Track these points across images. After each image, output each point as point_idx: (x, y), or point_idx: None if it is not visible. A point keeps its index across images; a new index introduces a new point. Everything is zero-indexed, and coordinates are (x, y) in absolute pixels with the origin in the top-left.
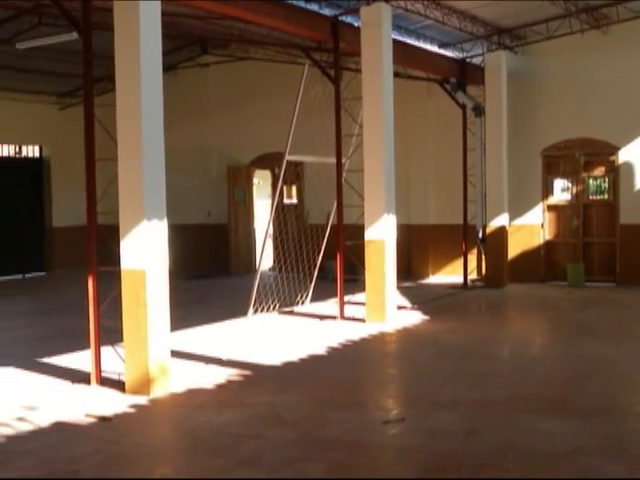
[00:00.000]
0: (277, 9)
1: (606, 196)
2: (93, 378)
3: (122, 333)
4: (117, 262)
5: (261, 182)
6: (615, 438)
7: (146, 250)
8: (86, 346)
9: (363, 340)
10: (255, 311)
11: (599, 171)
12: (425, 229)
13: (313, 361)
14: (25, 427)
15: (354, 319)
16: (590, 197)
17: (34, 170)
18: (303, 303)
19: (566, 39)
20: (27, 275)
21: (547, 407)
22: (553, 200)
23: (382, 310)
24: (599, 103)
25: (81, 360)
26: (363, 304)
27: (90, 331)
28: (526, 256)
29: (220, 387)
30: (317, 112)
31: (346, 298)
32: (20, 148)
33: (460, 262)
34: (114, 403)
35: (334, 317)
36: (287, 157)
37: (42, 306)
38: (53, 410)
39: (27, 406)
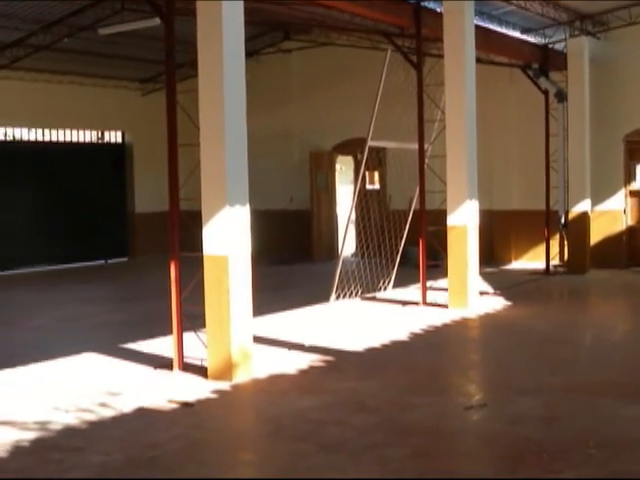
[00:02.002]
0: None
1: None
2: (175, 364)
3: (204, 319)
4: (199, 248)
5: (343, 168)
6: None
7: (228, 236)
8: (168, 332)
9: (445, 326)
10: (337, 297)
11: None
12: (507, 215)
13: (395, 347)
14: (107, 413)
15: (436, 305)
16: None
17: (116, 156)
18: (385, 289)
19: None
20: (109, 261)
21: (630, 393)
22: (635, 186)
23: (464, 296)
24: None
25: (163, 346)
26: (445, 290)
27: (172, 317)
28: (608, 242)
29: (302, 373)
30: (399, 98)
31: (428, 284)
32: (102, 134)
33: (542, 248)
34: (196, 389)
35: (416, 303)
36: (369, 143)
37: (124, 292)
38: (135, 396)
39: (109, 392)
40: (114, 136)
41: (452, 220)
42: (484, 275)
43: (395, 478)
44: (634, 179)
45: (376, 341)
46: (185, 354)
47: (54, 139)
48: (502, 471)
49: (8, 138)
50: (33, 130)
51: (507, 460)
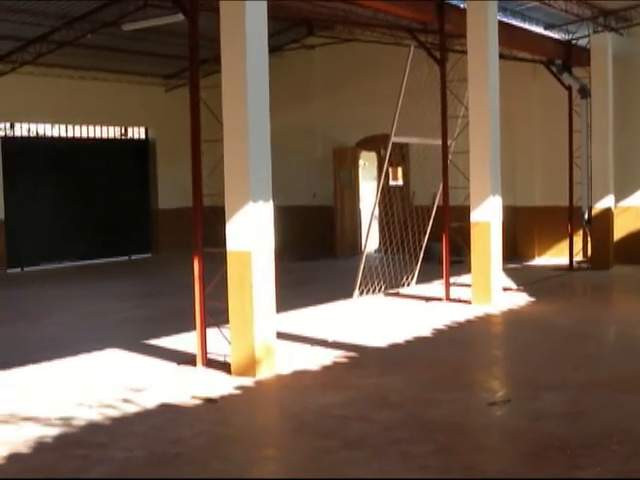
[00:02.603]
0: None
1: None
2: (199, 360)
3: (228, 315)
4: (223, 244)
5: (367, 164)
6: None
7: (252, 232)
8: (192, 328)
9: (469, 322)
10: (361, 293)
11: None
12: (531, 211)
13: (419, 343)
14: (131, 409)
15: (460, 301)
16: None
17: (140, 152)
18: (409, 285)
19: None
20: (133, 257)
21: None
22: None
23: (488, 292)
24: None
25: (187, 342)
26: (469, 286)
27: (196, 313)
28: (632, 238)
29: (326, 369)
30: (423, 94)
31: (452, 280)
32: (126, 130)
33: (566, 244)
34: (220, 385)
35: (440, 299)
36: (393, 139)
37: (148, 288)
38: (159, 392)
39: (133, 388)
40: (137, 132)
41: (475, 216)
42: (507, 271)
43: (419, 478)
44: None
45: (399, 337)
46: (208, 350)
47: (77, 135)
48: (525, 467)
49: (31, 134)
50: (56, 126)
51: (530, 456)
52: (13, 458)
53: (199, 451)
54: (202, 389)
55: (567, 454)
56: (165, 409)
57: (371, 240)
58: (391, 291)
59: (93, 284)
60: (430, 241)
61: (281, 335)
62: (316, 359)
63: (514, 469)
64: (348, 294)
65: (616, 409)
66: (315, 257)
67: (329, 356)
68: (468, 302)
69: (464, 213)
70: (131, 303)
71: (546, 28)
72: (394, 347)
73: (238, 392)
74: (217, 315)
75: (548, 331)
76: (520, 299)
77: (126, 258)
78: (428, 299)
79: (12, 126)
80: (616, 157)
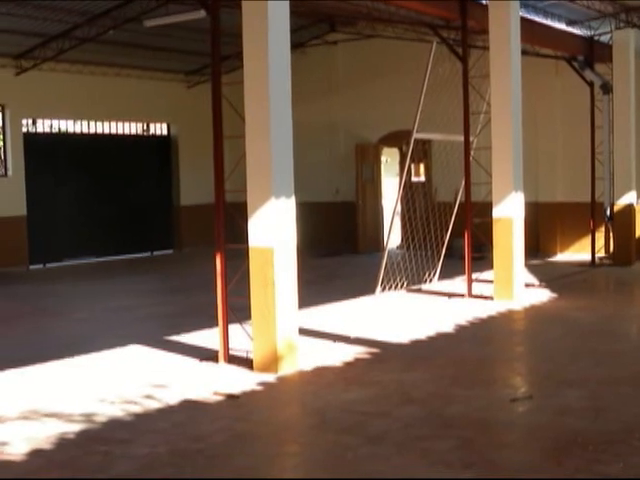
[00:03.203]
0: None
1: None
2: (221, 356)
3: (250, 311)
4: (245, 240)
5: (389, 160)
6: None
7: (274, 228)
8: (214, 324)
9: (491, 318)
10: (383, 289)
11: None
12: (553, 207)
13: (441, 339)
14: (153, 405)
15: (482, 297)
16: None
17: (162, 148)
18: (431, 281)
19: None
20: (155, 253)
21: None
22: None
23: (510, 288)
24: None
25: (209, 338)
26: (491, 282)
27: (218, 309)
28: None
29: (348, 365)
30: (445, 90)
31: (474, 276)
32: (148, 126)
33: (588, 240)
34: (242, 381)
35: (462, 295)
36: (415, 135)
37: (170, 284)
38: (181, 388)
39: (155, 384)
40: (159, 128)
41: (498, 212)
42: (530, 267)
43: (442, 477)
44: None
45: (421, 333)
46: (231, 346)
47: (99, 131)
48: (547, 463)
49: (53, 130)
50: (78, 122)
51: (552, 452)
52: (35, 454)
53: (221, 447)
54: (224, 385)
55: (589, 450)
56: (187, 405)
57: (393, 236)
58: (413, 287)
59: (115, 280)
60: (452, 237)
61: (303, 331)
62: (338, 355)
63: (536, 465)
64: (370, 290)
65: (638, 405)
66: (337, 253)
67: (351, 352)
68: (490, 298)
69: (486, 209)
70: (153, 299)
71: (568, 24)
72: (416, 343)
73: (260, 388)
74: (239, 311)
75: (570, 327)
76: (542, 295)
77: (148, 254)
78: (450, 295)
79: (34, 122)
80: (638, 153)
